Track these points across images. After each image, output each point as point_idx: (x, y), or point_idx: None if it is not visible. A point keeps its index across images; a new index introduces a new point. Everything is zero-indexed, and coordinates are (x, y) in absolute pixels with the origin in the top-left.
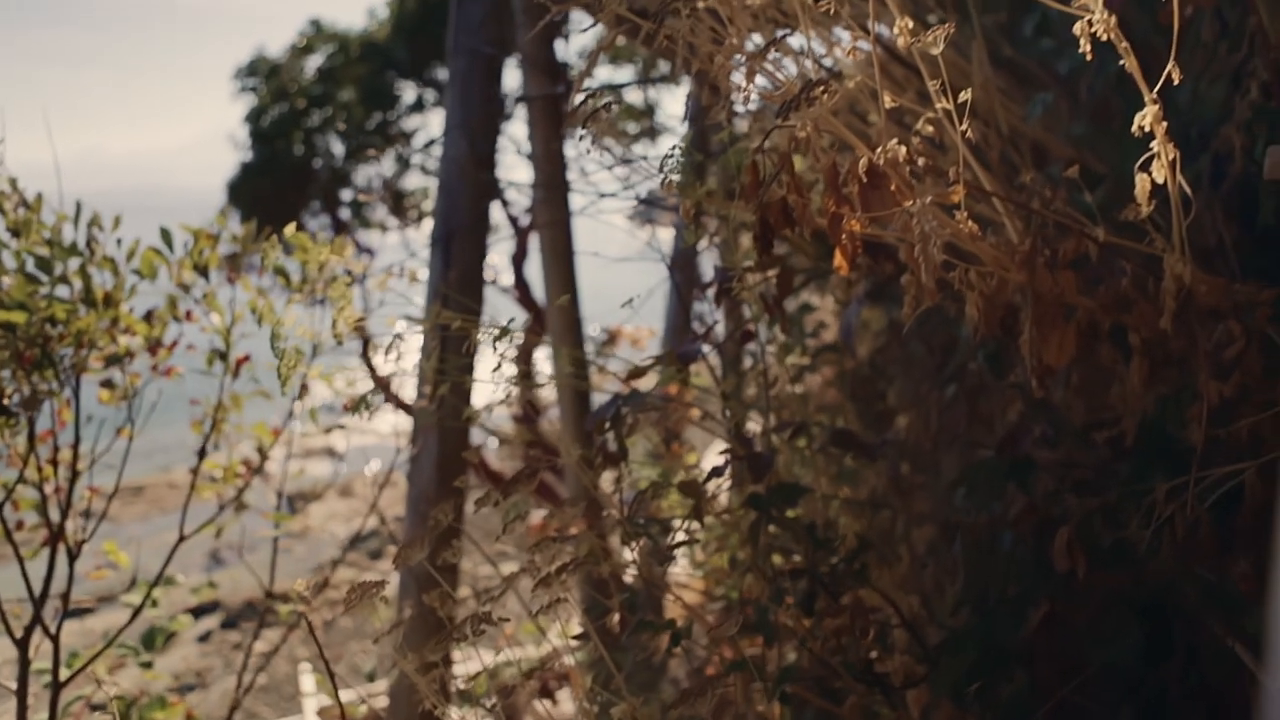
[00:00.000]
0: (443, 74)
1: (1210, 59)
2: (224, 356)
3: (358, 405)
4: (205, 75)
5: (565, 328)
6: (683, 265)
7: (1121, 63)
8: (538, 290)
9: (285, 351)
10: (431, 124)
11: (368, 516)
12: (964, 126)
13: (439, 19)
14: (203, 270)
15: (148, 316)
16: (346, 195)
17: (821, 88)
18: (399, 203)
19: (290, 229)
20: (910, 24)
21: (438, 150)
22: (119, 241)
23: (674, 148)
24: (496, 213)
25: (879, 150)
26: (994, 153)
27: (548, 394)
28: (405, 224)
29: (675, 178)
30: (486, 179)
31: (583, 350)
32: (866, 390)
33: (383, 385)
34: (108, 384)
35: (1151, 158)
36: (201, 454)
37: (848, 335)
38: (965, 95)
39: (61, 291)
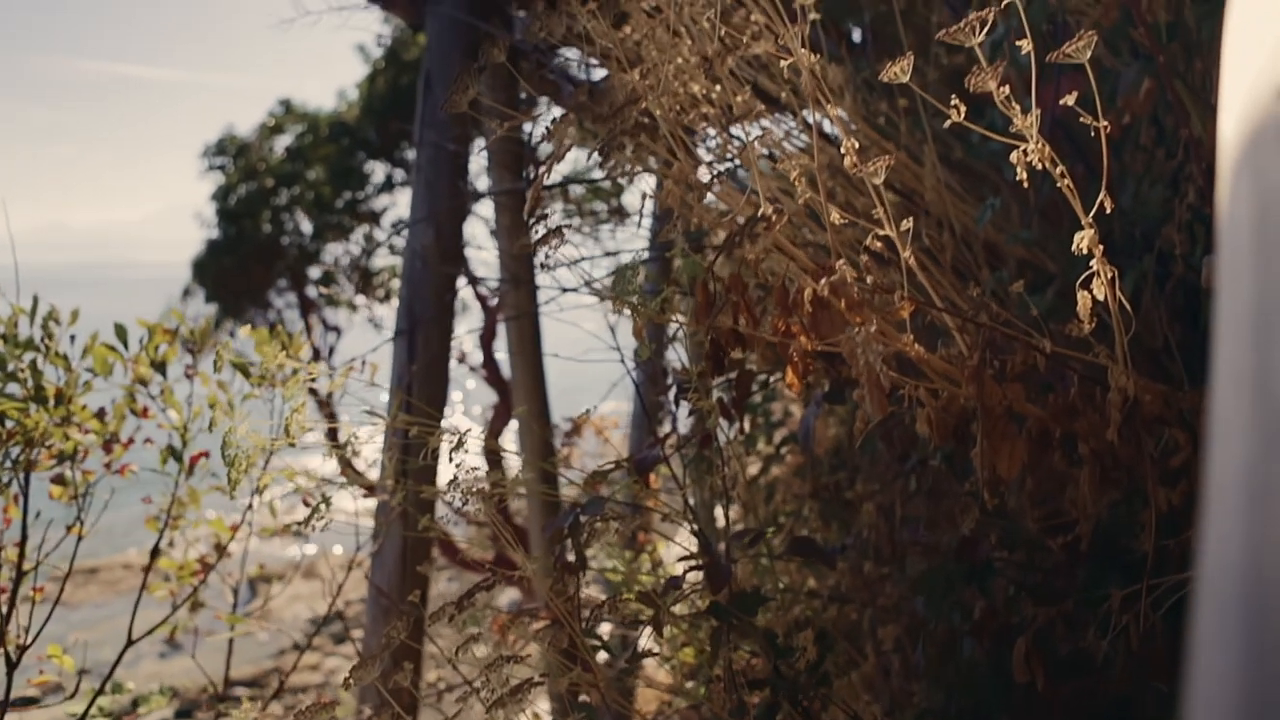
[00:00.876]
0: (412, 154)
1: (1149, 161)
2: (179, 456)
3: (312, 514)
4: (170, 149)
5: (532, 415)
6: (644, 362)
7: (1071, 164)
8: (507, 367)
9: (236, 457)
10: (400, 203)
11: (333, 603)
12: (907, 252)
13: (408, 101)
14: (159, 366)
15: (100, 414)
16: (314, 273)
17: (764, 223)
18: (366, 281)
19: (247, 330)
20: (856, 144)
21: (406, 230)
22: (72, 338)
23: (626, 267)
24: (466, 291)
25: (826, 276)
26: (947, 253)
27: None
28: (372, 302)
29: (630, 297)
30: (451, 271)
31: (550, 432)
32: (829, 486)
33: (347, 473)
34: (59, 480)
35: (1093, 275)
36: (154, 553)
37: (806, 437)
38: (907, 224)
39: (12, 389)
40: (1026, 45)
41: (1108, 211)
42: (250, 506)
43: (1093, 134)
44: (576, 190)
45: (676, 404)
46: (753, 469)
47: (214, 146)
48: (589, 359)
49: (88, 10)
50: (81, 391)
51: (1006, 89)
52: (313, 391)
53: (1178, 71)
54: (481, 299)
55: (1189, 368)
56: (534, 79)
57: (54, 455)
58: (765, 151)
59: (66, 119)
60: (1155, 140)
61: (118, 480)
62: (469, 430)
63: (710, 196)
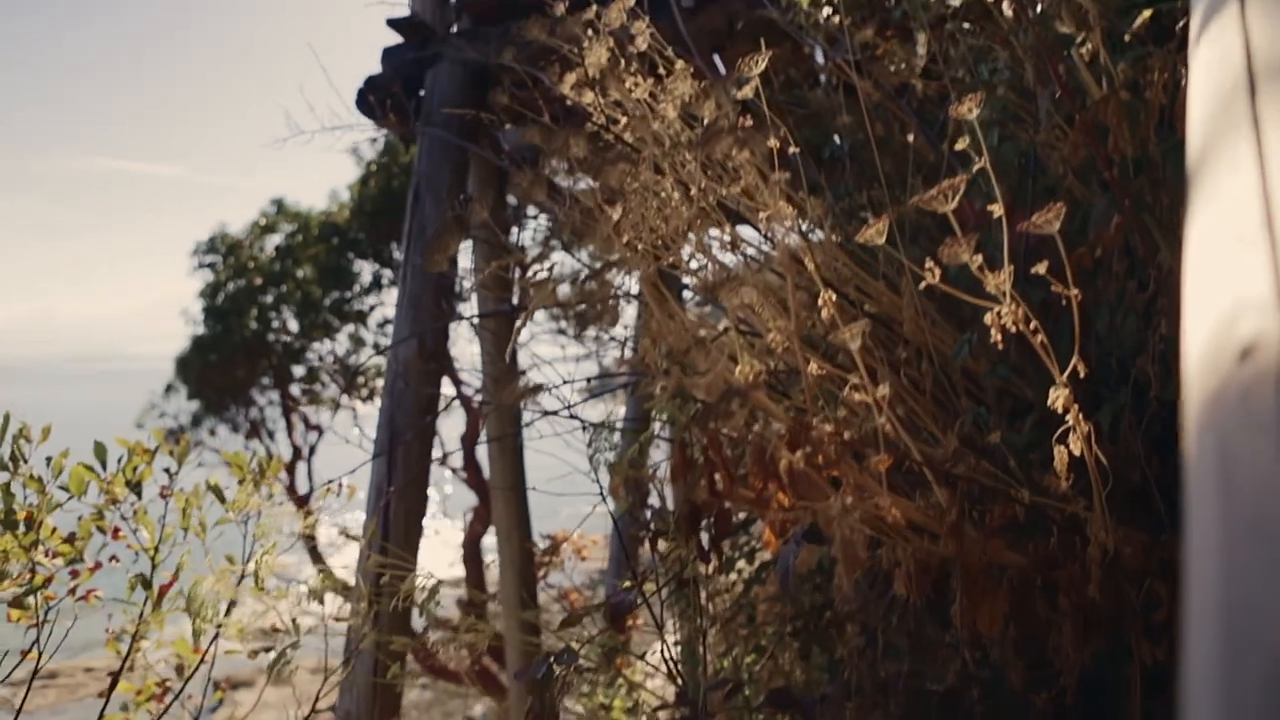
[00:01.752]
0: (400, 254)
1: (1121, 291)
2: (148, 584)
3: (278, 661)
4: (161, 243)
5: (511, 526)
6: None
7: (1051, 292)
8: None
9: (201, 607)
10: (387, 302)
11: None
12: (883, 416)
13: (399, 202)
14: (135, 486)
15: (71, 539)
16: (299, 371)
17: (740, 396)
18: (350, 380)
19: (227, 455)
20: (834, 296)
21: (391, 330)
22: (48, 460)
23: (601, 425)
24: (448, 388)
25: (804, 433)
26: (926, 380)
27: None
28: (356, 401)
29: (605, 457)
30: (433, 392)
31: (530, 543)
32: (809, 611)
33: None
34: (18, 603)
35: (1069, 430)
36: (114, 680)
37: (785, 577)
38: (883, 390)
39: None
40: (998, 209)
41: (1082, 352)
42: (217, 635)
43: (1067, 265)
44: (563, 290)
45: (654, 547)
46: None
47: (205, 244)
48: (568, 493)
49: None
50: (51, 510)
51: (980, 258)
52: (290, 490)
53: (1146, 204)
54: (465, 400)
55: (1169, 504)
56: (521, 189)
57: (17, 582)
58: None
59: (61, 212)
60: (1127, 271)
61: (81, 605)
62: (439, 582)
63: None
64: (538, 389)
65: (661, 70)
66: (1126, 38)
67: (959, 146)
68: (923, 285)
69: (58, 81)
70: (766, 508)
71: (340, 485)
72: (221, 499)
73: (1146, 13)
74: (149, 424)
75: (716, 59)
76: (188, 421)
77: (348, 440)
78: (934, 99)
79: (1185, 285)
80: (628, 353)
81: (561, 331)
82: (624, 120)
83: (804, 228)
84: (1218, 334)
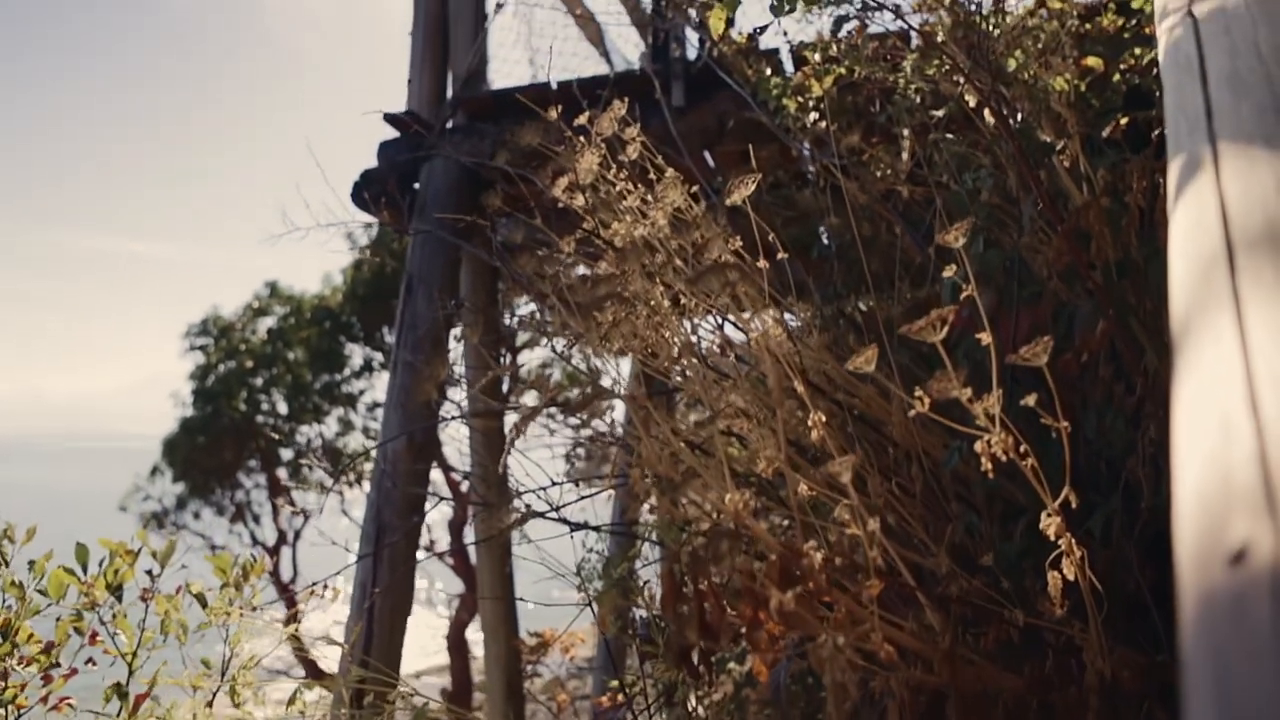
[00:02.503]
0: (392, 338)
1: (1109, 394)
2: (124, 694)
3: None
4: (153, 322)
5: (498, 623)
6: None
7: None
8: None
9: None
10: (377, 386)
11: None
12: (875, 542)
13: (392, 287)
14: (116, 589)
15: (49, 648)
16: (286, 455)
17: (730, 540)
18: (338, 464)
19: (210, 558)
20: (824, 418)
21: (381, 414)
22: (30, 564)
23: (587, 559)
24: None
25: (795, 563)
26: (916, 484)
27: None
28: (343, 486)
29: (593, 585)
30: (420, 491)
31: (516, 639)
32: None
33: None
34: None
35: (1061, 554)
36: None
37: (776, 693)
38: (873, 525)
39: None
40: (986, 338)
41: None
42: None
43: (1053, 368)
44: (553, 375)
45: (643, 662)
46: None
47: (197, 326)
48: (555, 603)
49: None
50: (28, 613)
51: (969, 391)
52: (274, 576)
53: (1130, 307)
54: (453, 485)
55: (1165, 617)
56: (514, 279)
57: None
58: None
59: (52, 288)
60: (1114, 374)
61: (53, 714)
62: (427, 704)
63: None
64: (525, 518)
65: (652, 174)
66: (1104, 138)
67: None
68: (912, 413)
69: (54, 157)
70: (757, 638)
71: (325, 586)
72: (204, 604)
73: (1123, 119)
74: (133, 507)
75: (707, 154)
76: (172, 504)
77: (331, 541)
78: (920, 201)
79: (1174, 461)
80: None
81: (550, 418)
82: (615, 226)
83: (791, 330)
84: (1208, 531)
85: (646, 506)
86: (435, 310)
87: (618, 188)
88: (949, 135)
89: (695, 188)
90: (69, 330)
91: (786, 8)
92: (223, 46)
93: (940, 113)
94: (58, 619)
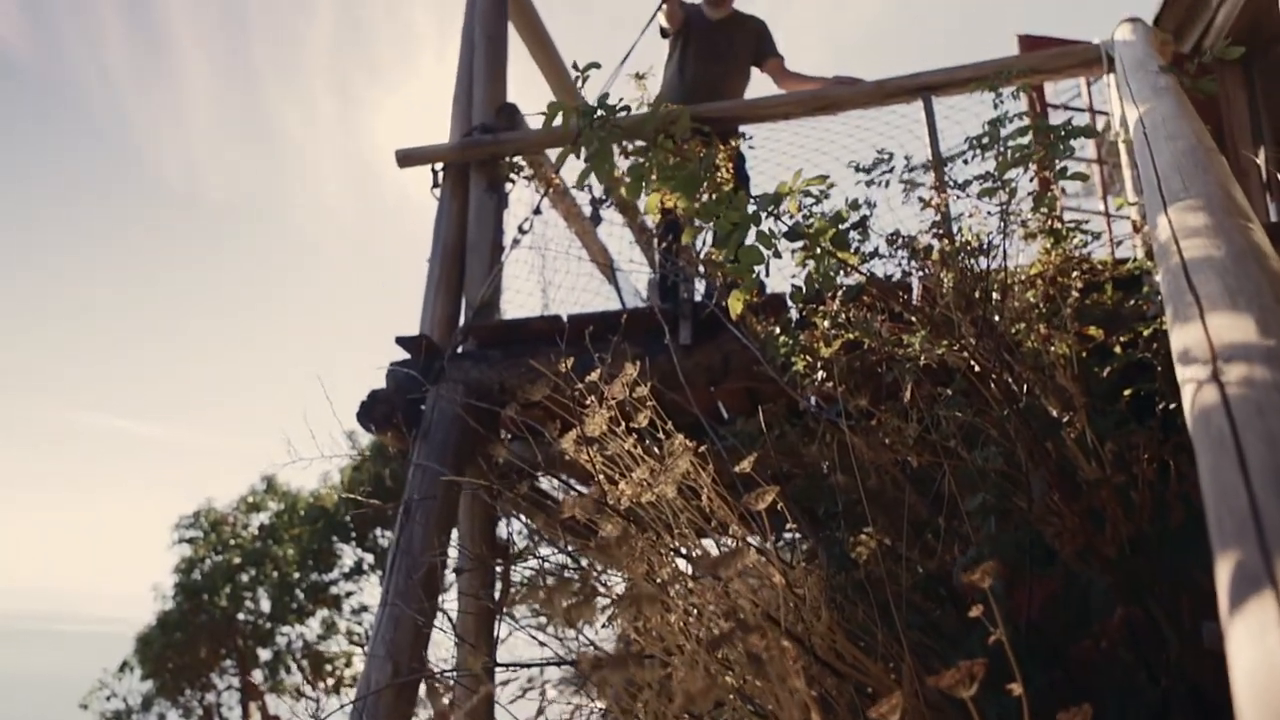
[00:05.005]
0: (385, 540)
1: (1129, 682)
2: None
3: None
4: (130, 502)
5: None
6: None
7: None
8: None
9: None
10: (366, 589)
11: None
12: None
13: (389, 490)
14: None
15: None
16: (265, 655)
17: None
18: (318, 668)
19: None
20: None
21: (367, 618)
22: None
23: None
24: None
25: None
26: None
27: None
28: (320, 693)
29: None
30: (406, 711)
31: None
32: None
33: None
34: None
35: None
36: None
37: None
38: None
39: None
40: (1016, 689)
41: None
42: None
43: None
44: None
45: None
46: None
47: (189, 518)
48: None
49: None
50: None
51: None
52: None
53: (1147, 588)
54: (434, 690)
55: None
56: (513, 502)
57: None
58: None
59: (35, 462)
60: (1136, 661)
61: None
62: None
63: None
64: None
65: (658, 427)
66: (1110, 407)
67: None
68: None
69: (51, 332)
70: None
71: None
72: None
73: (1127, 392)
74: (95, 705)
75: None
76: (137, 703)
77: None
78: (929, 464)
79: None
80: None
81: (539, 616)
82: (622, 486)
83: (798, 602)
84: None
85: None
86: (431, 539)
87: (625, 446)
88: (956, 401)
89: (703, 446)
90: (44, 505)
91: (803, 298)
92: (244, 237)
93: (949, 391)
94: None
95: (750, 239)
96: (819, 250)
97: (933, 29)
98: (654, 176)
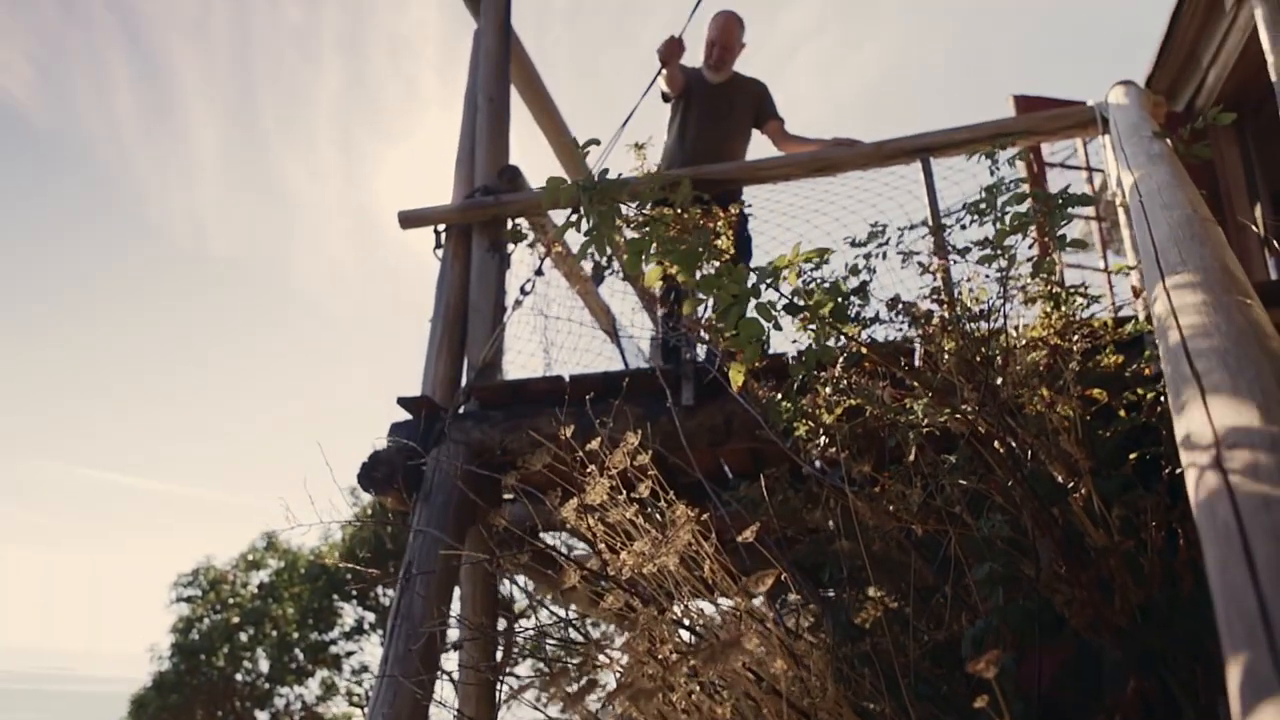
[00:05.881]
0: (386, 598)
1: None
2: None
3: None
4: (126, 557)
5: None
6: None
7: None
8: None
9: None
10: (367, 649)
11: None
12: None
13: (393, 553)
14: None
15: None
16: (262, 717)
17: None
18: None
19: None
20: None
21: (367, 679)
22: None
23: None
24: None
25: None
26: None
27: None
28: None
29: None
30: None
31: None
32: None
33: None
34: None
35: None
36: None
37: None
38: None
39: None
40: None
41: None
42: None
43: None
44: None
45: None
46: None
47: (188, 576)
48: None
49: (70, 417)
50: None
51: None
52: None
53: (1160, 658)
54: None
55: None
56: (515, 566)
57: None
58: None
59: (32, 518)
60: None
61: None
62: None
63: None
64: None
65: (659, 496)
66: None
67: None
68: None
69: (48, 387)
70: None
71: None
72: None
73: (1132, 456)
74: None
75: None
76: None
77: None
78: (934, 531)
79: None
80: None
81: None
82: (624, 557)
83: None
84: None
85: None
86: (432, 608)
87: (627, 515)
88: (959, 468)
89: (705, 514)
90: (37, 562)
91: (803, 368)
92: (247, 291)
93: (953, 458)
94: None
95: (750, 311)
96: (818, 323)
97: (930, 85)
98: (655, 249)
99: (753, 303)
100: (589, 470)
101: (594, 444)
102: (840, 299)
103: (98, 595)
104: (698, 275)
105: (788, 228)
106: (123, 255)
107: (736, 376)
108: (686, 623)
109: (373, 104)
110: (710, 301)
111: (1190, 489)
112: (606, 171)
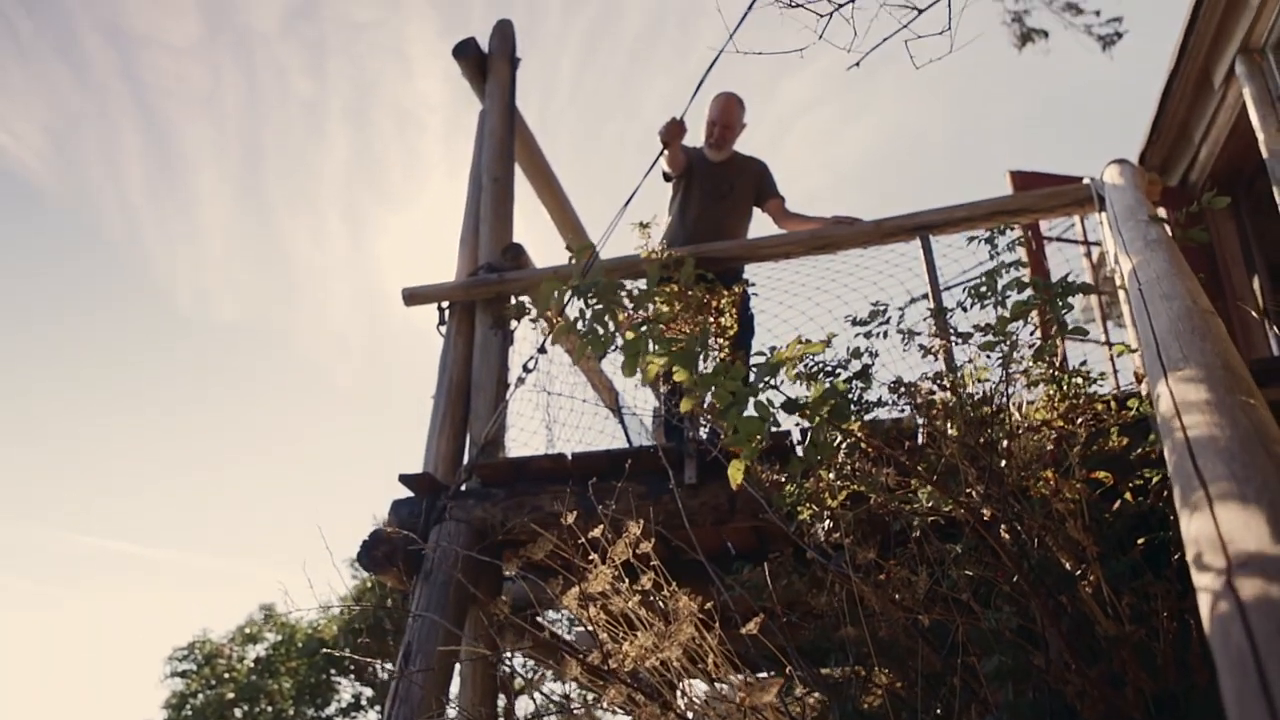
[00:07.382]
0: (385, 672)
1: None
2: None
3: None
4: (116, 622)
5: None
6: None
7: None
8: None
9: None
10: None
11: None
12: None
13: (392, 632)
14: None
15: None
16: None
17: None
18: None
19: None
20: None
21: None
22: None
23: None
24: None
25: None
26: None
27: None
28: None
29: None
30: None
31: None
32: None
33: None
34: None
35: None
36: None
37: None
38: None
39: None
40: None
41: None
42: None
43: None
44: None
45: None
46: None
47: (183, 650)
48: None
49: (73, 484)
50: None
51: None
52: None
53: None
54: None
55: None
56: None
57: None
58: None
59: (27, 591)
60: None
61: None
62: None
63: None
64: None
65: (662, 585)
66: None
67: None
68: None
69: (47, 455)
70: None
71: None
72: None
73: (1140, 540)
74: None
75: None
76: None
77: None
78: (940, 618)
79: None
80: None
81: None
82: (625, 648)
83: None
84: None
85: None
86: (430, 699)
87: (629, 604)
88: (964, 555)
89: (709, 603)
90: (39, 632)
91: (803, 464)
92: (251, 358)
93: (958, 548)
94: None
95: (749, 409)
96: (817, 420)
97: (929, 154)
98: (652, 348)
99: (751, 401)
100: (591, 558)
101: (596, 531)
102: (839, 399)
103: (94, 667)
104: (695, 373)
105: (789, 305)
106: (122, 319)
107: (735, 476)
108: (690, 716)
109: (378, 173)
110: (711, 388)
111: (1203, 610)
112: (600, 279)
